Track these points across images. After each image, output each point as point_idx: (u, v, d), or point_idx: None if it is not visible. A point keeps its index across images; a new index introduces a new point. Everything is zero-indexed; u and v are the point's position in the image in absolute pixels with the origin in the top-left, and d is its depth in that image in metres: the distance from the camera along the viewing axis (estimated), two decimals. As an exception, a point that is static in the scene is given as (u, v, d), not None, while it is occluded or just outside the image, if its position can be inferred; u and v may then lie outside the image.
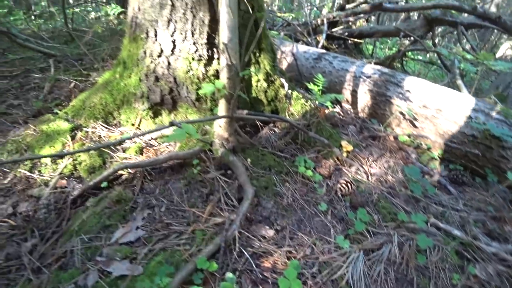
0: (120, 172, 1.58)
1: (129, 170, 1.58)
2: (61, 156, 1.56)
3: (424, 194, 1.81)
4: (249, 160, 1.65)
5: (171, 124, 1.32)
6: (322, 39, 3.87)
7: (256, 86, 1.95)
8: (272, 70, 1.98)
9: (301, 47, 3.12)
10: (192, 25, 1.66)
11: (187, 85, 1.77)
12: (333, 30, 4.38)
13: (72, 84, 2.82)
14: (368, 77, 2.55)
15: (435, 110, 2.27)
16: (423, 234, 1.45)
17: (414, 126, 2.38)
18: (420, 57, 5.89)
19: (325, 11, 5.22)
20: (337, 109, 2.54)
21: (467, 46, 4.85)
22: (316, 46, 3.84)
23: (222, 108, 1.56)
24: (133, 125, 1.91)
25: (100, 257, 1.25)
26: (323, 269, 1.24)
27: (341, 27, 4.57)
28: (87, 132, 1.86)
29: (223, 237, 1.23)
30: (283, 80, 2.02)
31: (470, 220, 1.72)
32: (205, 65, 1.77)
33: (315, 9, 5.46)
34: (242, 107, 1.83)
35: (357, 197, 1.59)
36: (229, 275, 1.11)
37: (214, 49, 1.77)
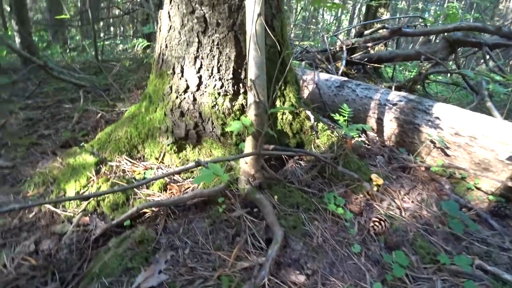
0: (144, 210, 1.55)
1: (153, 209, 1.55)
2: (86, 198, 1.55)
3: (464, 230, 1.67)
4: (276, 197, 1.59)
5: (198, 164, 1.29)
6: (342, 65, 3.86)
7: (282, 119, 1.92)
8: (298, 103, 1.95)
9: (323, 75, 3.10)
10: (218, 61, 1.67)
11: (212, 120, 1.76)
12: (352, 56, 4.37)
13: (99, 115, 2.91)
14: (394, 104, 2.48)
15: (469, 138, 2.15)
16: (470, 281, 1.31)
17: (446, 155, 2.26)
18: (441, 78, 5.76)
19: (341, 37, 5.26)
20: (363, 137, 2.45)
21: (491, 64, 4.70)
22: (337, 73, 3.83)
23: (249, 145, 1.52)
24: (157, 159, 1.90)
25: (122, 305, 1.19)
26: (362, 323, 1.13)
27: (360, 53, 4.56)
28: (111, 166, 1.86)
29: (252, 284, 1.15)
30: (308, 112, 1.98)
31: (521, 263, 1.55)
32: (231, 100, 1.76)
33: (332, 35, 5.52)
34: (267, 141, 1.79)
35: (392, 237, 1.48)
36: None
37: (240, 84, 1.77)
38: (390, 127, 2.47)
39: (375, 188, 1.75)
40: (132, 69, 4.04)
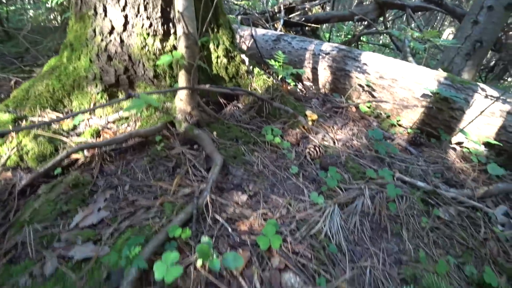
0: (75, 156, 1.45)
1: (86, 153, 1.46)
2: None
3: (387, 154, 1.88)
4: (214, 133, 1.60)
5: (129, 96, 1.23)
6: (280, 25, 3.91)
7: (217, 62, 1.90)
8: (232, 47, 1.94)
9: (260, 31, 3.12)
10: (144, -3, 1.57)
11: (143, 62, 1.68)
12: (290, 16, 4.45)
13: (13, 81, 2.58)
14: (327, 54, 2.61)
15: (391, 80, 2.38)
16: (391, 184, 1.49)
17: (373, 96, 2.48)
18: (373, 40, 6.20)
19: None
20: (299, 86, 2.56)
21: (413, 25, 5.18)
22: (275, 30, 3.87)
23: (182, 79, 1.49)
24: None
25: (58, 243, 1.13)
26: (301, 226, 1.23)
27: (297, 13, 4.65)
28: (33, 122, 1.69)
29: (195, 204, 1.17)
30: (243, 56, 1.99)
31: (430, 172, 1.81)
32: (161, 41, 1.69)
33: None
34: (204, 83, 1.78)
35: (326, 159, 1.61)
36: (205, 238, 1.05)
37: (170, 24, 1.70)
38: (324, 75, 2.62)
39: (310, 123, 1.87)
40: (49, 33, 3.60)
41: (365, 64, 2.48)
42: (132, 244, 0.99)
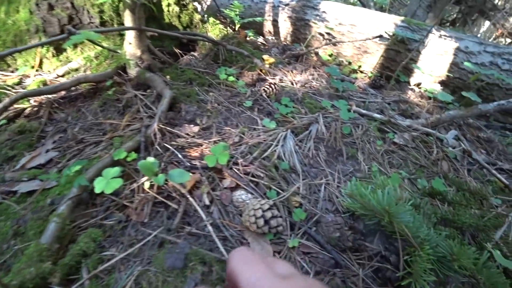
0: (21, 106, 1.40)
1: (33, 103, 1.40)
2: None
3: (346, 92, 1.92)
4: (168, 76, 1.58)
5: (69, 33, 1.18)
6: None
7: (168, 11, 1.85)
8: (183, -7, 1.89)
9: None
10: None
11: (87, 9, 1.61)
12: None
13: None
14: (286, 4, 2.59)
15: (350, 26, 2.40)
16: (344, 110, 1.52)
17: (334, 44, 2.49)
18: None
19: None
20: (260, 40, 2.54)
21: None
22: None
23: (128, 20, 1.44)
24: (33, 67, 1.69)
25: (2, 183, 1.10)
26: (254, 150, 1.25)
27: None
28: (-24, 81, 1.60)
29: (143, 133, 1.16)
30: (196, 4, 1.94)
31: (387, 106, 1.87)
32: (104, -15, 1.61)
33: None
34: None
35: (282, 94, 1.62)
36: (150, 159, 1.04)
37: (111, -33, 1.62)
38: (285, 27, 2.60)
39: (267, 66, 1.86)
40: None
41: (324, 12, 2.47)
42: (74, 166, 0.97)
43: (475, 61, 2.04)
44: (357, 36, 2.39)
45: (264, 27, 2.70)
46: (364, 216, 0.95)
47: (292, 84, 1.86)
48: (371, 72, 2.42)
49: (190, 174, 1.10)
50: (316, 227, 1.05)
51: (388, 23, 2.32)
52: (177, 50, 1.88)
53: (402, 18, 2.39)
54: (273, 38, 2.67)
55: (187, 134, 1.28)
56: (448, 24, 4.39)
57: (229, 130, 1.35)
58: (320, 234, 1.01)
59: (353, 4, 4.54)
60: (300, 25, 2.53)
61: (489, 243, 1.14)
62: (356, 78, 2.35)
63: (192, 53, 1.91)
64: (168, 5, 1.83)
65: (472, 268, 0.83)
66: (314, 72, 2.17)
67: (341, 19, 2.43)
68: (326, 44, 2.38)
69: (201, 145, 1.22)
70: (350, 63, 2.50)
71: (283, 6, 2.59)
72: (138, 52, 1.51)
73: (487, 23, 4.28)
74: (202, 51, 1.91)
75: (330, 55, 2.52)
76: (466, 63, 2.03)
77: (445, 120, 1.82)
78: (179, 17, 1.87)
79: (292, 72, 2.03)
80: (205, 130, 1.34)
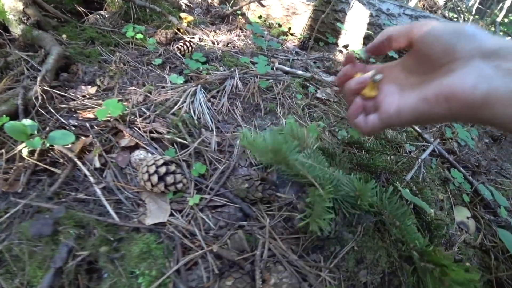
0: None
1: None
2: None
3: (270, 50, 1.86)
4: (64, 36, 1.37)
5: None
6: None
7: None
8: None
9: None
10: None
11: None
12: None
13: None
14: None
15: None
16: (261, 62, 1.47)
17: (262, 6, 2.41)
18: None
19: None
20: (184, 1, 2.36)
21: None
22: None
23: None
24: None
25: None
26: (159, 107, 1.14)
27: None
28: None
29: (22, 95, 0.99)
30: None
31: (311, 63, 1.85)
32: None
33: None
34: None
35: (197, 52, 1.51)
36: (27, 121, 0.89)
37: None
38: (211, -12, 2.44)
39: (185, 25, 1.72)
40: None
41: (250, -30, 2.35)
42: None
43: (395, 23, 2.11)
44: (285, -3, 2.32)
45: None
46: (262, 161, 0.91)
47: (214, 44, 1.75)
48: (301, 34, 2.39)
49: (82, 137, 0.97)
50: (225, 181, 1.00)
51: (314, -19, 2.28)
52: (80, 8, 1.65)
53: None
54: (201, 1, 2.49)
55: (83, 96, 1.13)
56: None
57: (134, 90, 1.22)
58: (229, 189, 0.96)
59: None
60: (226, -16, 2.39)
61: (399, 183, 1.19)
62: (285, 40, 2.30)
63: (100, 12, 1.69)
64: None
65: (377, 203, 0.85)
66: (241, 33, 2.07)
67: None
68: (250, 2, 2.28)
69: (97, 107, 1.09)
70: (280, 25, 2.44)
71: (207, -36, 2.41)
72: (20, 5, 1.28)
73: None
74: (111, 9, 1.70)
75: (260, 17, 2.43)
76: (386, 22, 2.08)
77: (366, 75, 1.86)
78: (77, -31, 1.63)
79: (215, 32, 1.91)
80: (106, 91, 1.19)
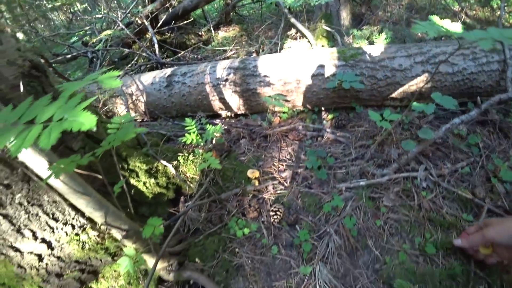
0: None
1: None
2: None
3: (327, 168, 2.07)
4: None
5: None
6: (156, 47, 3.56)
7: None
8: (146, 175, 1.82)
9: (146, 78, 2.85)
10: None
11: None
12: (159, 26, 4.03)
13: None
14: (225, 80, 2.55)
15: (296, 82, 2.44)
16: (347, 217, 1.71)
17: (287, 101, 2.56)
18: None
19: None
20: (219, 123, 2.53)
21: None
22: (156, 55, 3.55)
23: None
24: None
25: None
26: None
27: (164, 15, 4.23)
28: None
29: None
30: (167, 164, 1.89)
31: (363, 164, 2.08)
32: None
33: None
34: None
35: (288, 215, 1.74)
36: None
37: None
38: (234, 100, 2.59)
39: (256, 183, 1.93)
40: None
41: (265, 76, 2.48)
42: None
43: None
44: (304, 88, 2.46)
45: (213, 107, 2.67)
46: None
47: (283, 184, 1.96)
48: (329, 113, 2.55)
49: None
50: None
51: (328, 65, 2.39)
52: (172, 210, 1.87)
53: (336, 53, 2.42)
54: (226, 112, 2.67)
55: None
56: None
57: (274, 295, 1.49)
58: None
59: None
60: (248, 95, 2.55)
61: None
62: (324, 125, 2.49)
63: (187, 203, 1.91)
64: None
65: None
66: (287, 147, 2.27)
67: (284, 77, 2.45)
68: (285, 112, 2.44)
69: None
70: (305, 112, 2.61)
71: (223, 82, 2.55)
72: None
73: None
74: (188, 191, 1.92)
75: (287, 112, 2.60)
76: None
77: (410, 157, 2.08)
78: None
79: (272, 161, 2.11)
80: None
